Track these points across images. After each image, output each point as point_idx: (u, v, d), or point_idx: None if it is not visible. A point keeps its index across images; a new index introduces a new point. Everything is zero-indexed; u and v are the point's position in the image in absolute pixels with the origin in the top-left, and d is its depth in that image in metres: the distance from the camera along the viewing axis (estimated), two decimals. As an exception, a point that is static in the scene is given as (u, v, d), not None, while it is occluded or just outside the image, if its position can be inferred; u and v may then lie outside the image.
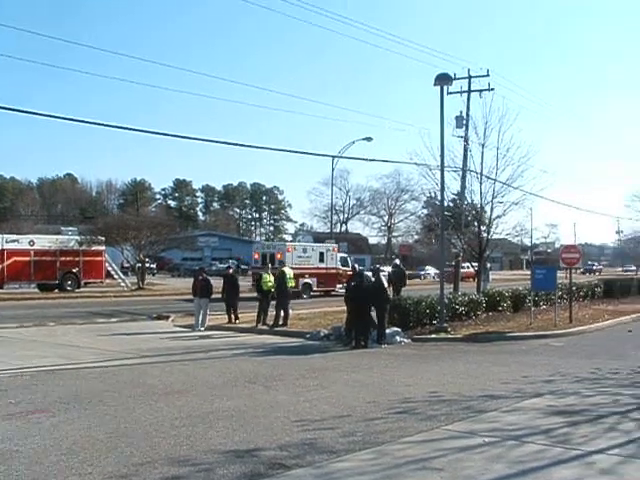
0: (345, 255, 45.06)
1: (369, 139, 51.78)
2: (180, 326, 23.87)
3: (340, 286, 38.15)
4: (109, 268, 48.42)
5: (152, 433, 8.63)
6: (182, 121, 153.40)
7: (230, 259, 76.82)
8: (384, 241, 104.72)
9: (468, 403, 10.51)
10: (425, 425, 9.05)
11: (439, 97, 21.65)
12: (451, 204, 31.68)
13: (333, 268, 41.41)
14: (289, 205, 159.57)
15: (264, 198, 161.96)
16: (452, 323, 21.43)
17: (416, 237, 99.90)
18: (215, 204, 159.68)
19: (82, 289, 44.01)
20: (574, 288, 28.17)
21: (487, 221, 28.06)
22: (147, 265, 55.34)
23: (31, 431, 8.73)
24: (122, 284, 48.29)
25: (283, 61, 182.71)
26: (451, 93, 30.12)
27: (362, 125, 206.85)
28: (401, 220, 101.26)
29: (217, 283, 24.77)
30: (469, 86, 32.37)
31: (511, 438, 8.34)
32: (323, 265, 41.13)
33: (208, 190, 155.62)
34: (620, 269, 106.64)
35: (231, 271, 26.64)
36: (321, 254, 41.65)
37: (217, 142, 43.67)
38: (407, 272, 34.11)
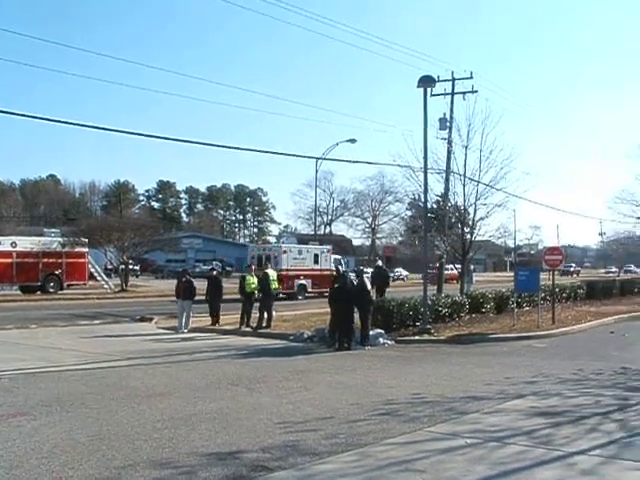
0: (339, 257, 45.60)
1: (353, 141, 51.79)
2: (163, 328, 23.80)
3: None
4: (92, 270, 48.13)
5: (134, 436, 8.58)
6: (167, 123, 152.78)
7: (214, 261, 76.59)
8: (368, 243, 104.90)
9: (451, 405, 10.53)
10: (408, 427, 9.06)
11: (422, 99, 21.71)
12: (435, 206, 31.79)
13: (327, 270, 41.55)
14: (273, 207, 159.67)
15: (248, 200, 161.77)
16: (435, 325, 21.46)
17: (400, 239, 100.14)
18: (199, 206, 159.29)
19: (65, 291, 43.80)
20: (557, 289, 28.30)
21: (470, 223, 28.20)
22: (130, 267, 55.18)
23: (12, 434, 8.65)
24: (105, 286, 48.10)
25: (267, 63, 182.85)
26: (435, 95, 30.32)
27: (346, 127, 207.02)
28: (385, 222, 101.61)
29: (201, 285, 24.70)
30: (452, 88, 32.57)
31: (493, 439, 8.37)
32: (318, 267, 41.57)
33: (192, 192, 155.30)
34: (603, 271, 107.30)
35: (215, 273, 26.58)
36: (316, 256, 42.26)
37: (200, 144, 43.16)
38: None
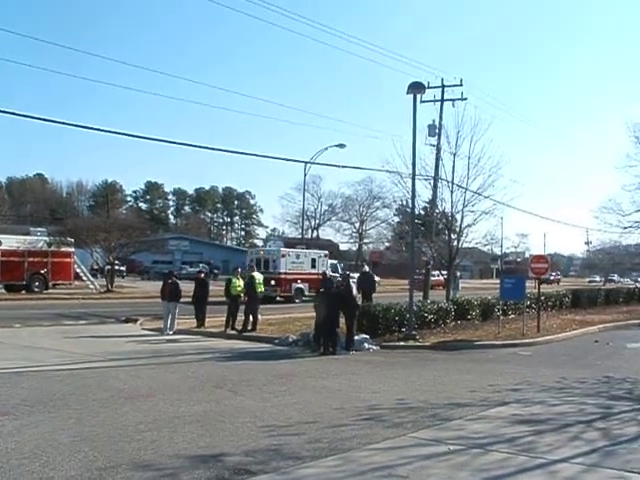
0: (335, 262, 46.04)
1: (342, 146, 51.89)
2: (148, 329, 23.71)
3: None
4: (78, 270, 47.98)
5: (116, 437, 8.54)
6: (155, 123, 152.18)
7: (200, 263, 76.44)
8: (355, 248, 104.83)
9: (434, 411, 10.55)
10: (391, 432, 9.07)
11: (412, 105, 21.74)
12: (422, 212, 31.85)
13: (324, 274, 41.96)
14: (261, 210, 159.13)
15: (236, 202, 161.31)
16: (421, 331, 21.48)
17: (387, 244, 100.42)
18: (186, 207, 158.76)
19: (50, 291, 43.55)
20: (542, 298, 28.40)
21: (458, 230, 28.20)
22: (117, 267, 54.98)
23: (-7, 434, 8.60)
24: (91, 286, 47.88)
25: (255, 66, 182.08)
26: (424, 102, 30.41)
27: (335, 132, 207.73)
28: (372, 227, 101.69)
29: (187, 287, 24.63)
30: (442, 95, 32.60)
31: (476, 446, 8.38)
32: (315, 271, 41.74)
33: (180, 193, 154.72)
34: (587, 280, 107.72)
35: (202, 275, 26.53)
36: (313, 260, 43.15)
37: (189, 145, 42.76)
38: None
